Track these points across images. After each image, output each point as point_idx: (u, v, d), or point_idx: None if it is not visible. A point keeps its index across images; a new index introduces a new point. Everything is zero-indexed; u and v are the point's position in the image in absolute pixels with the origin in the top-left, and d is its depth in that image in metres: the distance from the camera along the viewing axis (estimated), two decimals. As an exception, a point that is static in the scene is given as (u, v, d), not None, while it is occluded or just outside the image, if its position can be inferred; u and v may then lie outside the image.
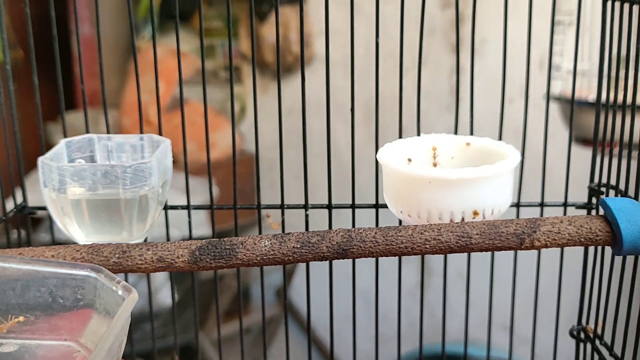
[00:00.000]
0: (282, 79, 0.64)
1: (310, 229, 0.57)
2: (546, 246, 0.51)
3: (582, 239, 0.51)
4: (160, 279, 1.42)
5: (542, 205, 0.68)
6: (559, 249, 0.55)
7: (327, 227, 0.61)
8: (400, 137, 0.64)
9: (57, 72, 0.63)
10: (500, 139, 0.65)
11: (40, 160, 0.54)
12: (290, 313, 1.87)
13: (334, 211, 0.66)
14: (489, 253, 0.56)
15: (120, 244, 0.51)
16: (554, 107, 1.02)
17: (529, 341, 0.73)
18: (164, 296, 1.44)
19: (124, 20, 1.75)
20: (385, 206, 0.61)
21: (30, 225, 0.66)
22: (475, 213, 0.55)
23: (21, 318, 0.45)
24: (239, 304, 0.70)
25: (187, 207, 0.67)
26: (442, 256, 0.60)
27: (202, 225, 1.46)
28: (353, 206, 0.67)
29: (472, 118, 0.67)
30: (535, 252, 0.57)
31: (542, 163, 0.67)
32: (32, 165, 0.65)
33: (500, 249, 0.52)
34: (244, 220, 1.71)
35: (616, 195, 0.62)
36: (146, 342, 1.25)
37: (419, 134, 0.65)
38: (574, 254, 0.63)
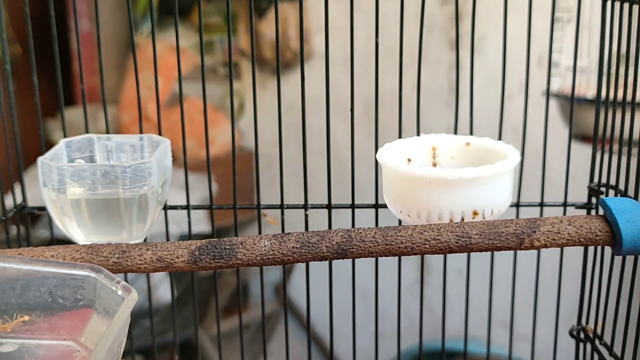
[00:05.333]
0: (281, 76, 0.63)
1: (310, 229, 0.57)
2: (546, 246, 0.51)
3: (581, 239, 0.51)
4: (159, 275, 1.42)
5: (541, 205, 0.68)
6: (558, 249, 0.55)
7: (326, 227, 0.61)
8: (399, 136, 0.64)
9: (57, 70, 0.63)
10: (500, 136, 0.65)
11: (40, 160, 0.54)
12: (289, 310, 1.87)
13: (333, 211, 0.66)
14: (489, 251, 0.56)
15: (120, 244, 0.51)
16: (552, 104, 1.02)
17: (528, 338, 0.73)
18: (163, 292, 1.44)
19: (123, 16, 1.75)
20: (385, 206, 0.61)
21: (29, 225, 0.66)
22: (475, 213, 0.54)
23: (26, 317, 0.45)
24: (237, 301, 0.70)
25: (187, 207, 0.67)
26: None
27: (201, 222, 1.46)
28: (353, 206, 0.66)
29: (472, 115, 0.67)
30: (535, 251, 0.57)
31: (541, 162, 0.67)
32: (31, 162, 0.65)
33: (499, 249, 0.52)
34: (243, 217, 1.71)
35: (616, 195, 0.62)
36: (145, 339, 1.25)
37: (418, 134, 0.65)
38: (574, 253, 0.63)
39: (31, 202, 0.66)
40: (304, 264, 0.65)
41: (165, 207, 0.65)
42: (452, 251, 0.52)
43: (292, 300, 1.87)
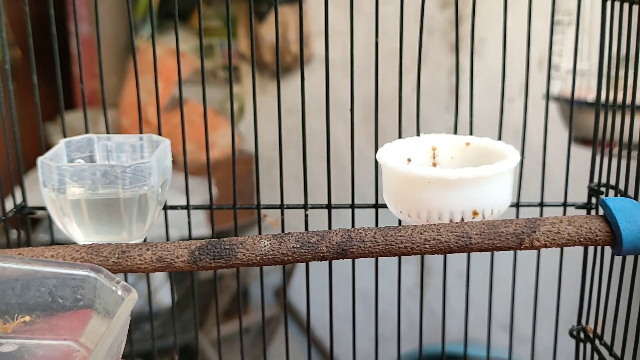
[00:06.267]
0: (281, 79, 0.63)
1: (310, 229, 0.57)
2: (546, 246, 0.51)
3: (581, 239, 0.51)
4: (160, 278, 1.42)
5: (541, 205, 0.68)
6: (558, 249, 0.55)
7: (326, 227, 0.61)
8: (399, 137, 0.64)
9: (57, 73, 0.63)
10: (499, 139, 0.65)
11: (40, 160, 0.54)
12: (289, 313, 1.87)
13: (333, 211, 0.66)
14: (489, 253, 0.56)
15: (120, 244, 0.51)
16: (553, 107, 1.02)
17: (528, 341, 0.73)
18: (163, 296, 1.43)
19: (122, 20, 1.75)
20: (385, 206, 0.61)
21: (29, 225, 0.66)
22: (475, 213, 0.54)
23: (27, 318, 0.45)
24: (238, 304, 0.70)
25: (187, 207, 0.67)
26: (441, 256, 0.60)
27: (201, 225, 1.46)
28: (353, 206, 0.66)
29: (472, 118, 0.67)
30: (535, 251, 0.57)
31: (541, 163, 0.67)
32: (31, 166, 0.65)
33: (499, 249, 0.52)
34: (243, 221, 1.71)
35: (616, 195, 0.62)
36: (146, 342, 1.25)
37: (418, 134, 0.65)
38: (574, 254, 0.63)
39: (31, 204, 0.66)
40: (304, 267, 0.65)
41: (165, 208, 0.65)
42: (452, 251, 0.52)
43: (292, 304, 1.87)
